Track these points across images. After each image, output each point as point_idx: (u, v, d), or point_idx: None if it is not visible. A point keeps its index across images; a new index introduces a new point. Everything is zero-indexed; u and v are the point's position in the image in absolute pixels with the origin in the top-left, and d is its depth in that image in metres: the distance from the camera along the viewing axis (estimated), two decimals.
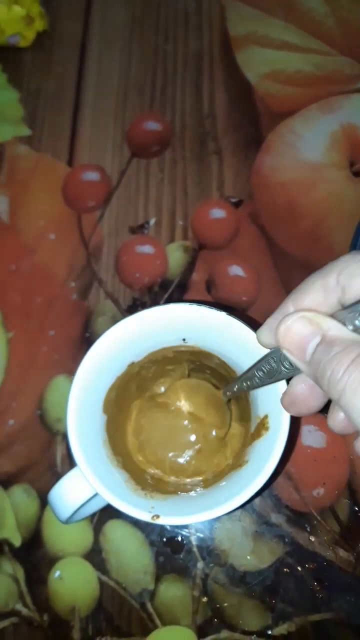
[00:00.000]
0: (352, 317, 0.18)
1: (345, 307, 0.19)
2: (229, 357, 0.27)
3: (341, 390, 0.17)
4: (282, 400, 0.23)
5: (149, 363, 0.29)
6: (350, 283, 0.19)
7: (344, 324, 0.19)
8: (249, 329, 0.26)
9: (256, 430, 0.25)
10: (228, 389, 0.26)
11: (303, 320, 0.19)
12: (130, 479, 0.26)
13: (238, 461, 0.26)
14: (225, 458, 0.28)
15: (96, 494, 0.24)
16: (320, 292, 0.20)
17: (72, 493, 0.24)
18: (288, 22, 0.44)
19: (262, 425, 0.25)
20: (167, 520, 0.23)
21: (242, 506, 0.23)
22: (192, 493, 0.27)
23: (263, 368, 0.23)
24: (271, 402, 0.25)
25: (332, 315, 0.19)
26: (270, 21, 0.44)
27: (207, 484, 0.27)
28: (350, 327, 0.18)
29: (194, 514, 0.23)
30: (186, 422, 0.28)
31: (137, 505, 0.23)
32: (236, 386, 0.25)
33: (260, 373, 0.23)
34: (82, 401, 0.24)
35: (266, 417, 0.25)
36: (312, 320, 0.19)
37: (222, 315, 0.25)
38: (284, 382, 0.24)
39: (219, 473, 0.27)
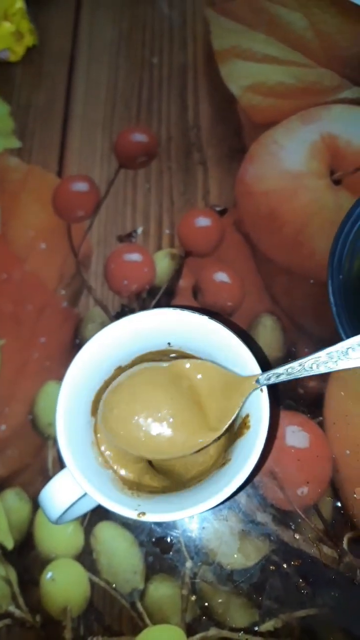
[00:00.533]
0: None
1: None
2: (212, 360, 0.28)
3: None
4: None
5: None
6: None
7: None
8: (230, 332, 0.27)
9: (238, 429, 0.26)
10: (265, 377, 0.26)
11: None
12: (118, 480, 0.27)
13: (221, 460, 0.27)
14: (210, 457, 0.29)
15: (85, 495, 0.25)
16: None
17: (62, 493, 0.25)
18: (269, 35, 0.46)
19: (244, 424, 0.26)
20: (152, 517, 0.24)
21: (226, 501, 0.24)
22: (177, 492, 0.28)
23: (313, 360, 0.24)
24: (252, 402, 0.26)
25: None
26: (252, 35, 0.46)
27: (192, 483, 0.28)
28: None
29: (178, 511, 0.23)
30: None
31: (124, 504, 0.24)
32: (277, 375, 0.25)
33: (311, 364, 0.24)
34: (70, 403, 0.25)
35: (247, 416, 0.26)
36: None
37: (205, 319, 0.27)
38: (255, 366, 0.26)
39: (203, 472, 0.28)
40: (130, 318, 0.27)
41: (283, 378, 0.26)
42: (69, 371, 0.26)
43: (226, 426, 0.26)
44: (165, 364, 0.27)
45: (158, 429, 0.25)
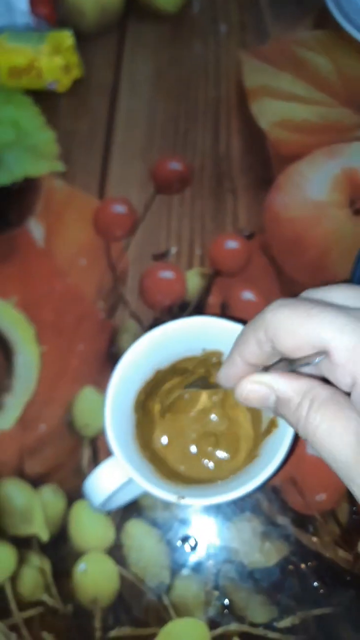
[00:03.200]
0: (296, 367, 0.20)
1: (290, 361, 0.21)
2: None
3: (307, 437, 0.20)
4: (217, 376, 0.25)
5: (172, 371, 0.32)
6: (277, 338, 0.20)
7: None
8: None
9: (267, 428, 0.29)
10: None
11: (254, 385, 0.21)
12: (157, 471, 0.29)
13: (250, 457, 0.30)
14: (241, 458, 0.31)
15: (128, 482, 0.27)
16: (255, 345, 0.21)
17: (108, 478, 0.27)
18: (296, 76, 0.50)
19: (272, 424, 0.28)
20: (191, 501, 0.26)
21: (254, 492, 0.26)
22: (212, 483, 0.30)
23: None
24: None
25: (277, 363, 0.21)
26: (281, 76, 0.50)
27: (224, 477, 0.30)
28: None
29: (215, 496, 0.26)
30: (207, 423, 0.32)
31: (165, 489, 0.27)
32: None
33: None
34: (116, 400, 0.28)
35: (275, 416, 0.29)
36: (262, 381, 0.21)
37: (238, 326, 0.29)
38: None
39: (234, 469, 0.31)
40: (169, 325, 0.30)
41: None
42: (115, 372, 0.29)
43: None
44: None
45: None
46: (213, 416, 0.33)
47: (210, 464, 0.32)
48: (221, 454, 0.32)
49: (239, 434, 0.32)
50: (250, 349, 0.21)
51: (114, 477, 0.27)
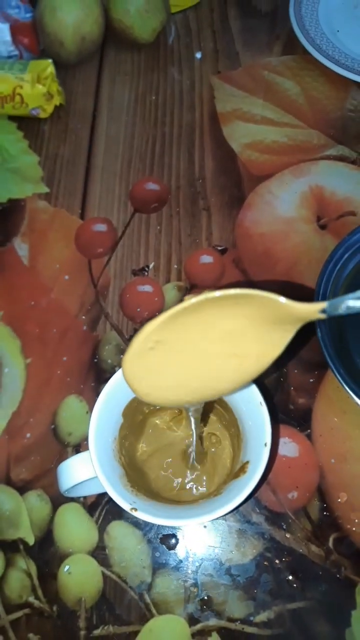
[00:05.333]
0: None
1: None
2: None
3: None
4: None
5: None
6: None
7: None
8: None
9: (237, 472, 0.31)
10: (333, 306, 0.22)
11: None
12: (125, 476, 0.31)
13: (214, 492, 0.32)
14: (208, 490, 0.33)
15: (95, 478, 0.29)
16: None
17: (77, 470, 0.29)
18: (266, 100, 0.53)
19: (242, 469, 0.30)
20: (142, 515, 0.28)
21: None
22: (169, 505, 0.32)
23: None
24: (255, 451, 0.30)
25: None
26: (251, 100, 0.53)
27: (185, 502, 0.32)
28: None
29: (164, 518, 0.28)
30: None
31: (122, 496, 0.29)
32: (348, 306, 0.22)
33: None
34: (109, 399, 0.30)
35: (247, 463, 0.30)
36: None
37: None
38: (269, 433, 0.30)
39: (199, 497, 0.33)
40: None
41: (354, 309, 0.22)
42: (113, 377, 0.31)
43: (273, 358, 0.24)
44: (193, 300, 0.24)
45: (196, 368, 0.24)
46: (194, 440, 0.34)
47: (178, 484, 0.34)
48: (195, 479, 0.34)
49: (217, 466, 0.34)
50: None
51: (83, 471, 0.29)
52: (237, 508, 0.28)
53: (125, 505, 0.28)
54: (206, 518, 0.28)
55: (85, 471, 0.29)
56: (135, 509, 0.28)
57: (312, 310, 0.23)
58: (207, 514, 0.28)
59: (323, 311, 0.23)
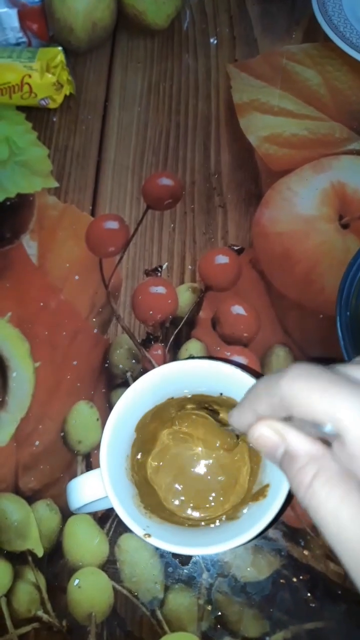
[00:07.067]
0: (314, 432, 0.19)
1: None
2: None
3: (306, 505, 0.19)
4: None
5: (185, 401, 0.33)
6: (292, 409, 0.19)
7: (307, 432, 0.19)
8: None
9: (256, 494, 0.29)
10: None
11: (269, 431, 0.20)
12: (138, 496, 0.29)
13: (233, 514, 0.30)
14: (222, 508, 0.31)
15: (106, 497, 0.28)
16: (268, 406, 0.20)
17: (88, 489, 0.28)
18: (285, 91, 0.51)
19: (261, 493, 0.28)
20: (156, 542, 0.26)
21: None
22: (184, 527, 0.30)
23: None
24: (275, 473, 0.28)
25: (294, 421, 0.20)
26: (269, 90, 0.51)
27: (199, 524, 0.31)
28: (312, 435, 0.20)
29: (179, 546, 0.27)
30: (204, 462, 0.32)
31: (135, 519, 0.27)
32: None
33: None
34: (121, 417, 0.29)
35: (267, 486, 0.28)
36: (277, 430, 0.20)
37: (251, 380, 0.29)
38: None
39: (213, 518, 0.31)
40: (187, 362, 0.30)
41: None
42: (132, 386, 0.29)
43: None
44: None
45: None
46: (212, 461, 0.33)
47: (190, 502, 0.32)
48: (205, 496, 0.32)
49: (234, 485, 0.32)
50: (262, 408, 0.21)
51: (93, 491, 0.27)
52: (257, 536, 0.27)
53: (138, 530, 0.27)
54: (223, 547, 0.26)
55: (97, 491, 0.28)
56: (149, 535, 0.27)
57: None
58: (223, 543, 0.26)
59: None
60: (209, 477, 0.32)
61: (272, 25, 0.55)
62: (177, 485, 0.33)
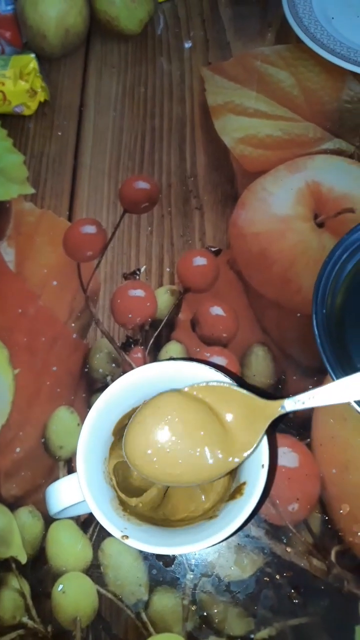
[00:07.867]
0: None
1: None
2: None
3: None
4: None
5: None
6: None
7: None
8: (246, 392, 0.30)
9: (233, 492, 0.29)
10: (291, 402, 0.28)
11: None
12: (116, 499, 0.30)
13: (209, 514, 0.30)
14: (202, 506, 0.31)
15: (84, 501, 0.28)
16: None
17: (65, 494, 0.28)
18: (259, 92, 0.51)
19: (238, 491, 0.29)
20: (133, 543, 0.27)
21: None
22: (163, 527, 0.30)
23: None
24: (252, 471, 0.29)
25: None
26: (243, 92, 0.51)
27: (179, 524, 0.31)
28: None
29: (156, 546, 0.27)
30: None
31: (113, 522, 0.27)
32: (301, 402, 0.28)
33: None
34: (98, 417, 0.29)
35: (244, 484, 0.29)
36: None
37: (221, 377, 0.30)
38: (266, 454, 0.28)
39: (191, 519, 0.31)
40: (163, 364, 0.30)
41: (307, 405, 0.27)
42: (108, 388, 0.29)
43: (251, 450, 0.28)
44: (186, 388, 0.29)
45: (184, 455, 0.27)
46: None
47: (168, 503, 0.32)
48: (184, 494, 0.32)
49: (215, 484, 0.32)
50: None
51: (71, 495, 0.28)
52: (234, 533, 0.27)
53: (115, 532, 0.27)
54: (200, 545, 0.26)
55: (74, 495, 0.28)
56: (127, 537, 0.27)
57: (275, 407, 0.29)
58: (201, 541, 0.26)
59: (282, 407, 0.28)
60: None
61: (245, 27, 0.55)
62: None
